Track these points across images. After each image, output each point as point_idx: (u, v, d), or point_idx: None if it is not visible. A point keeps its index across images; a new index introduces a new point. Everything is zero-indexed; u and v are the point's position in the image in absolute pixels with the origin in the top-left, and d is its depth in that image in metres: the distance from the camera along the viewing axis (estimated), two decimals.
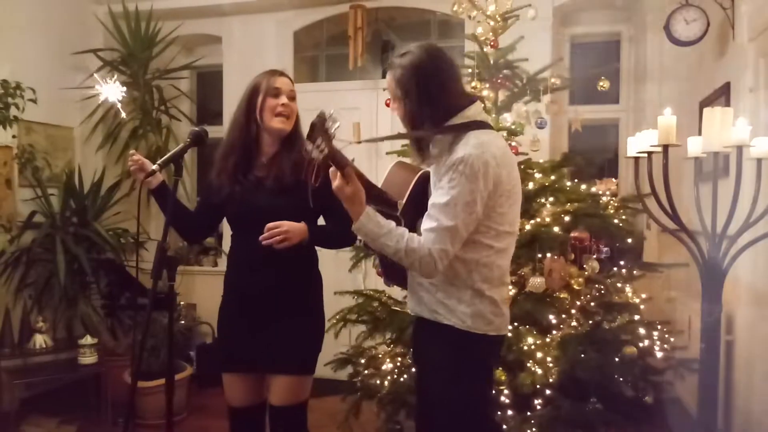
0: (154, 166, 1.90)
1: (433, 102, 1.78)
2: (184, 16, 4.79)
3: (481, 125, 1.80)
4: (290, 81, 2.23)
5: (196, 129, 2.03)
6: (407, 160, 2.14)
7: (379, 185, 1.89)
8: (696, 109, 3.75)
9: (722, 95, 3.38)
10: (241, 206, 2.15)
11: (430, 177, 1.89)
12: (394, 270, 2.01)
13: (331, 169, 1.69)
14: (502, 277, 1.87)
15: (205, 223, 2.34)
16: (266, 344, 2.13)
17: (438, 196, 1.73)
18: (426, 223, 1.74)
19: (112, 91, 2.27)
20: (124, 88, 2.31)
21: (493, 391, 2.01)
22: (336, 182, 1.71)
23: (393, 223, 1.75)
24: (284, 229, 2.02)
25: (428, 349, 1.91)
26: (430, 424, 1.96)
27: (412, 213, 1.80)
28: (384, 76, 4.81)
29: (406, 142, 3.18)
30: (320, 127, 1.59)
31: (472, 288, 1.81)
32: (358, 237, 1.81)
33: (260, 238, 2.01)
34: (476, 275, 1.80)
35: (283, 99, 2.15)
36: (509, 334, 2.48)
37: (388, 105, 3.73)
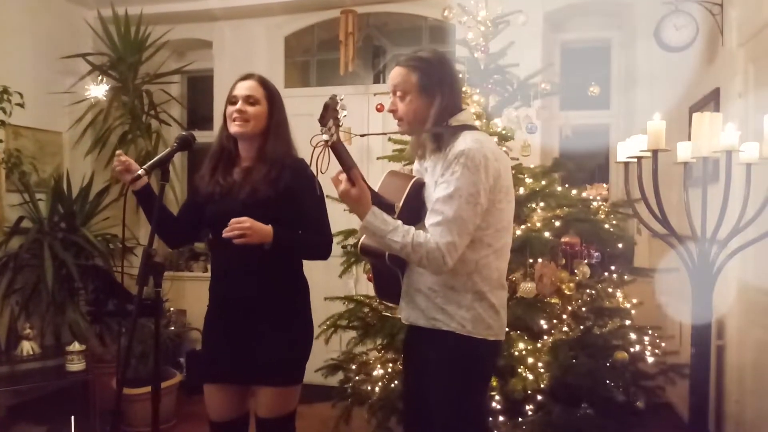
0: (140, 171, 1.87)
1: (445, 99, 1.84)
2: (175, 21, 4.77)
3: (473, 128, 1.88)
4: (256, 83, 2.14)
5: (183, 134, 2.02)
6: (399, 169, 2.15)
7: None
8: (686, 114, 3.76)
9: (712, 100, 3.39)
10: (216, 208, 2.12)
11: (422, 184, 1.91)
12: (386, 285, 2.01)
13: (335, 174, 1.71)
14: (500, 279, 1.88)
15: (186, 227, 2.28)
16: (250, 355, 2.09)
17: (441, 189, 1.75)
18: (431, 218, 1.74)
19: (98, 90, 2.34)
20: (108, 86, 2.34)
21: (488, 397, 2.01)
22: (342, 186, 1.71)
23: (399, 222, 1.75)
24: (246, 225, 1.96)
25: (426, 356, 1.88)
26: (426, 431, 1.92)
27: (407, 218, 1.81)
28: (377, 81, 4.84)
29: (397, 147, 3.18)
30: (332, 108, 1.61)
31: (473, 291, 1.81)
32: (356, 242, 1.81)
33: (223, 231, 1.97)
34: (476, 276, 1.81)
35: (239, 105, 2.11)
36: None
37: (378, 110, 3.74)
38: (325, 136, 1.63)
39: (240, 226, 1.96)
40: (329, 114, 1.62)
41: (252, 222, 1.97)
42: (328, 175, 1.73)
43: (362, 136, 2.00)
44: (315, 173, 1.73)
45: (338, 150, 1.67)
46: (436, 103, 1.83)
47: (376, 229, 1.73)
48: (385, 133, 2.08)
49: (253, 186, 2.07)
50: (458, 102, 1.91)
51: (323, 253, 2.20)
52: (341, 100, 1.64)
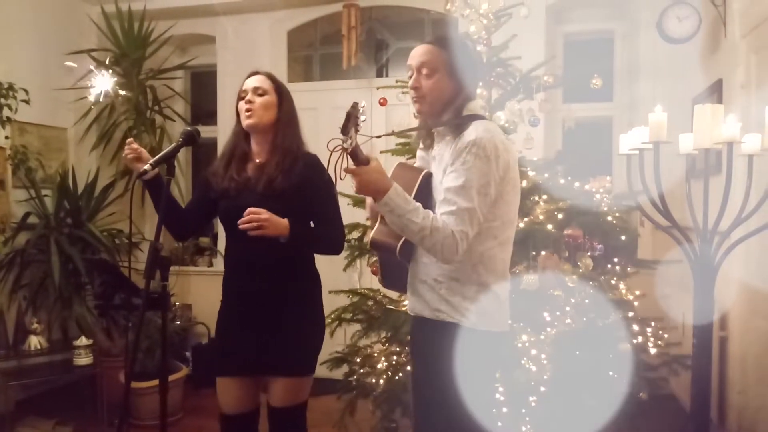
0: (146, 166, 1.89)
1: (469, 86, 1.87)
2: (178, 16, 4.78)
3: (482, 118, 1.87)
4: (264, 77, 2.20)
5: (188, 129, 2.03)
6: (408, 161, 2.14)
7: None
8: (689, 106, 3.75)
9: (715, 92, 3.39)
10: (231, 204, 2.14)
11: (431, 175, 1.90)
12: (393, 275, 2.01)
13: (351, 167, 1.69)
14: (504, 271, 1.88)
15: (195, 219, 2.31)
16: (264, 346, 2.11)
17: (452, 179, 1.73)
18: (443, 207, 1.73)
19: (104, 81, 2.36)
20: (115, 78, 2.34)
21: (494, 390, 1.98)
22: (361, 167, 1.69)
23: (419, 204, 1.73)
24: (264, 217, 1.97)
25: (431, 348, 1.88)
26: (431, 423, 1.92)
27: None
28: (379, 75, 4.85)
29: (400, 140, 3.19)
30: (354, 116, 1.60)
31: (478, 282, 1.81)
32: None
33: (239, 221, 1.98)
34: (481, 268, 1.81)
35: (248, 97, 2.15)
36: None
37: (381, 104, 3.74)
38: (346, 144, 1.61)
39: (258, 218, 1.97)
40: (351, 123, 1.60)
41: (270, 214, 1.99)
42: (345, 181, 1.73)
43: (378, 137, 1.97)
44: (333, 179, 1.73)
45: (355, 153, 1.66)
46: (462, 88, 1.84)
47: (396, 207, 1.69)
48: (398, 133, 2.05)
49: (269, 177, 2.10)
50: (475, 91, 1.92)
51: (337, 247, 2.23)
52: (362, 107, 1.62)
